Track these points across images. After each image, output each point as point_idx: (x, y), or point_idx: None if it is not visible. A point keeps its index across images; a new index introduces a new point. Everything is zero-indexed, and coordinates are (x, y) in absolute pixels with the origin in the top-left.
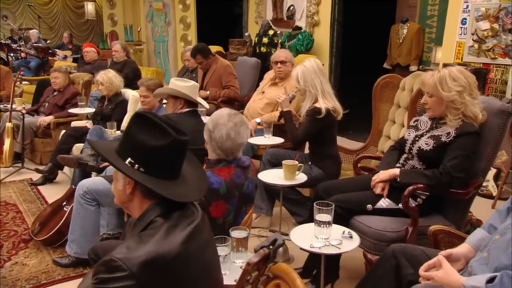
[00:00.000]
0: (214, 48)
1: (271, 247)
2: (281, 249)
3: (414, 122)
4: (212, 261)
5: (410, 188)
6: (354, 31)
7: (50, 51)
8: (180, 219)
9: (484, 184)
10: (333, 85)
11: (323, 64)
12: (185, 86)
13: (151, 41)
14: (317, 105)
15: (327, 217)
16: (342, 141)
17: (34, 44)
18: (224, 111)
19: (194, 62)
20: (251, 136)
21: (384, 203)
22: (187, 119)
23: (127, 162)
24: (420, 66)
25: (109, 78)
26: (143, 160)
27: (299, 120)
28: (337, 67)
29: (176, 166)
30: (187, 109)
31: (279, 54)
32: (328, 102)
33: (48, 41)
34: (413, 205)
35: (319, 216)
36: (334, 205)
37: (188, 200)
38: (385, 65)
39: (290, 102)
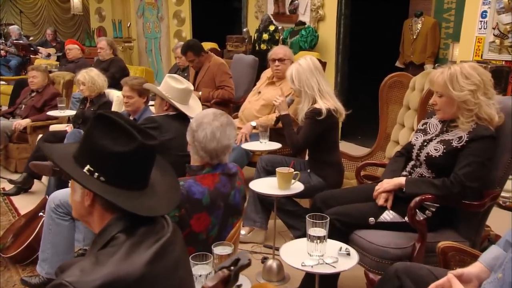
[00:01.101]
0: (207, 45)
1: (232, 268)
2: (275, 266)
3: (422, 126)
4: (184, 283)
5: (417, 199)
6: (363, 26)
7: (32, 48)
8: (146, 235)
9: (505, 195)
10: (339, 85)
11: (325, 62)
12: (175, 87)
13: (142, 38)
14: (316, 106)
15: (322, 232)
16: (349, 147)
17: (15, 41)
18: (210, 111)
19: (185, 59)
20: (246, 141)
21: (388, 216)
22: (173, 122)
23: (85, 170)
24: (436, 65)
25: (91, 77)
26: (103, 168)
27: (297, 125)
28: (344, 66)
29: (143, 174)
30: (172, 112)
31: (277, 51)
32: (328, 102)
33: (31, 38)
34: (421, 218)
35: (312, 231)
36: (329, 218)
37: (156, 214)
38: (397, 64)
39: (289, 106)
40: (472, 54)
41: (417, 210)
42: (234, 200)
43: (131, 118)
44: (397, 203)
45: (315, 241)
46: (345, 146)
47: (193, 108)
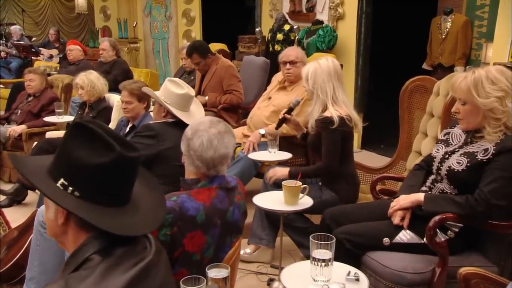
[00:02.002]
0: (216, 46)
1: None
2: None
3: (444, 136)
4: None
5: (437, 218)
6: (386, 25)
7: (33, 49)
8: (125, 257)
9: None
10: (360, 89)
11: (341, 65)
12: (174, 93)
13: (149, 38)
14: (326, 114)
15: (327, 254)
16: (370, 157)
17: (15, 42)
18: (206, 118)
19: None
20: (254, 150)
21: (405, 236)
22: (171, 130)
23: (58, 184)
24: (467, 67)
25: (90, 80)
26: (79, 182)
27: (302, 131)
28: (365, 68)
29: (123, 189)
30: (171, 119)
31: (289, 52)
32: (340, 109)
33: (34, 39)
34: (442, 239)
35: (317, 253)
36: (334, 239)
37: (135, 233)
38: (425, 66)
39: (294, 109)
40: (507, 55)
41: (437, 231)
42: (233, 217)
43: (130, 124)
44: (415, 222)
45: (319, 264)
46: (365, 156)
47: (195, 115)
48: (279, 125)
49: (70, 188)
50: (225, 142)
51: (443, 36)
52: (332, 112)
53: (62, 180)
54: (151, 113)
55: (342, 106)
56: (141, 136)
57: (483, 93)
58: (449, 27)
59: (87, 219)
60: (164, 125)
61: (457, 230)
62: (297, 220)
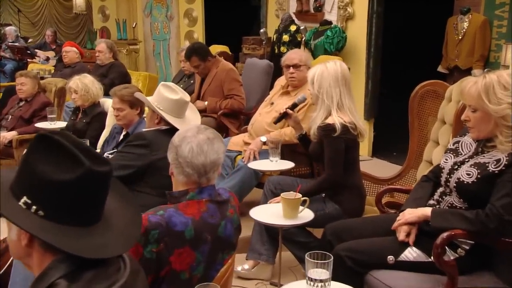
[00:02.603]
0: (217, 48)
1: None
2: None
3: (453, 145)
4: None
5: (445, 235)
6: (399, 25)
7: (28, 51)
8: (95, 281)
9: None
10: (370, 93)
11: (349, 68)
12: (168, 98)
13: (150, 40)
14: (329, 120)
15: (324, 274)
16: (382, 166)
17: (10, 44)
18: (193, 125)
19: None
20: (255, 158)
21: (411, 254)
22: (165, 138)
23: (21, 202)
24: (485, 70)
25: (84, 84)
26: (43, 200)
27: (301, 131)
28: (376, 71)
29: (92, 207)
30: (165, 127)
31: (292, 55)
32: (344, 116)
33: (30, 40)
34: (451, 258)
35: (313, 272)
36: (332, 258)
37: (106, 255)
38: (440, 69)
39: (298, 105)
40: None
41: (446, 248)
42: (225, 232)
43: (124, 132)
44: (422, 238)
45: (316, 285)
46: (376, 165)
47: (190, 122)
48: (278, 120)
49: (34, 207)
50: (216, 148)
51: (460, 37)
52: (335, 119)
53: (25, 198)
54: (145, 119)
55: (347, 113)
56: (132, 145)
57: (494, 99)
58: (466, 27)
59: (51, 242)
60: (157, 133)
61: (467, 247)
62: (298, 234)
